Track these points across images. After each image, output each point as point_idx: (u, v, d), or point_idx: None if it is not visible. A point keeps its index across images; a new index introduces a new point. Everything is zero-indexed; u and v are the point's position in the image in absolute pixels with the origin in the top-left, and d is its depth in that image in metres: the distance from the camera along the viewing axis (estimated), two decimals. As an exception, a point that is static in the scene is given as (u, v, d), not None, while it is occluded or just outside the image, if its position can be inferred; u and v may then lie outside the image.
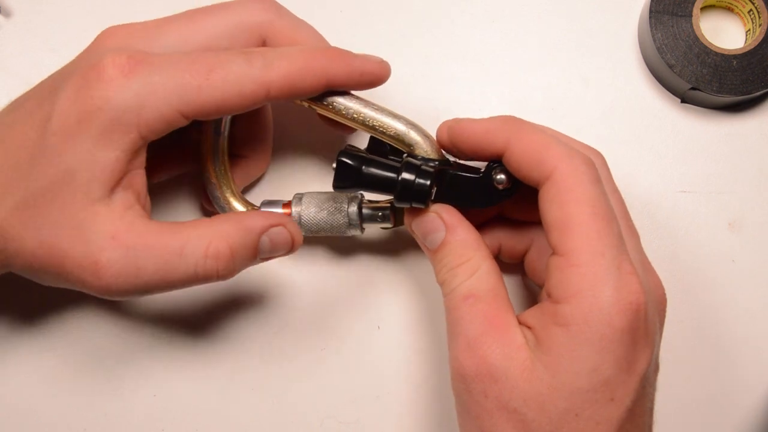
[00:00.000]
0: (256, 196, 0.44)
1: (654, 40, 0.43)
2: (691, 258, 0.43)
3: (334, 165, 0.35)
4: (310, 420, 0.42)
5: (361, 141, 0.41)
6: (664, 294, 0.34)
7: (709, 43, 0.43)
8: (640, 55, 0.45)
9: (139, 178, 0.35)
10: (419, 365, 0.42)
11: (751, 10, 0.43)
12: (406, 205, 0.35)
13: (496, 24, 0.45)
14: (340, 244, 0.43)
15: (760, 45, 0.42)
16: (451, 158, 0.37)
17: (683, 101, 0.44)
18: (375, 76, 0.35)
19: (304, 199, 0.39)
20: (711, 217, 0.43)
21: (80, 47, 0.36)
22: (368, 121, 0.36)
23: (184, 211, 0.44)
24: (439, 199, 0.36)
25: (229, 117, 0.38)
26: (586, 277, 0.30)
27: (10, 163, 0.33)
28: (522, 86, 0.45)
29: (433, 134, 0.37)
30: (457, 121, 0.35)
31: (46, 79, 0.35)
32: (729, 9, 0.45)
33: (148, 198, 0.36)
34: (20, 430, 0.42)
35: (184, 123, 0.34)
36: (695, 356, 0.42)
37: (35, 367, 0.42)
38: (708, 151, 0.44)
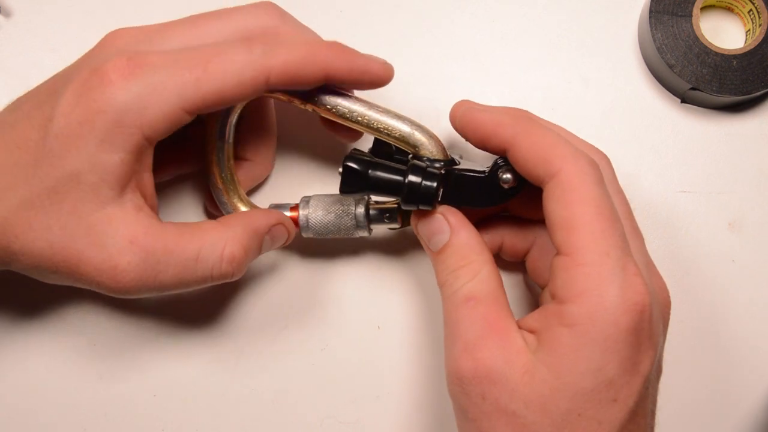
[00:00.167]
0: (261, 199, 0.44)
1: (654, 40, 0.43)
2: (691, 258, 0.43)
3: (341, 170, 0.35)
4: (310, 420, 0.42)
5: (364, 144, 0.42)
6: (668, 297, 0.34)
7: (709, 43, 0.43)
8: (640, 55, 0.45)
9: (146, 180, 0.35)
10: (419, 365, 0.42)
11: (751, 10, 0.43)
12: (413, 208, 0.35)
13: (496, 24, 0.45)
14: (340, 244, 0.43)
15: (760, 45, 0.42)
16: (456, 157, 0.37)
17: (683, 101, 0.44)
18: (377, 76, 0.35)
19: (311, 202, 0.39)
20: (711, 217, 0.43)
21: (80, 47, 0.36)
22: (373, 123, 0.36)
23: (186, 208, 0.44)
24: (445, 199, 0.36)
25: (234, 121, 0.38)
26: (591, 276, 0.30)
27: (11, 162, 0.33)
28: (522, 86, 0.45)
29: (438, 133, 0.37)
30: (470, 107, 0.35)
31: (47, 81, 0.35)
32: (729, 9, 0.45)
33: (156, 199, 0.36)
34: (20, 430, 0.42)
35: (188, 119, 0.34)
36: (695, 356, 0.42)
37: (35, 367, 0.42)
38: (708, 151, 0.44)
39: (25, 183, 0.33)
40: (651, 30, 0.43)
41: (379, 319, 0.43)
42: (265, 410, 0.42)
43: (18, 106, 0.35)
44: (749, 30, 0.44)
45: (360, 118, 0.36)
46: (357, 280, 0.43)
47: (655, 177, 0.44)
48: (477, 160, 0.41)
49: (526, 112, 0.37)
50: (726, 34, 0.45)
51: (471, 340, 0.31)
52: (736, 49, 0.43)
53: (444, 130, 0.38)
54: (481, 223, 0.39)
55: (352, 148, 0.36)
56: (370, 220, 0.39)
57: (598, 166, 0.32)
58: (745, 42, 0.44)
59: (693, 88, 0.43)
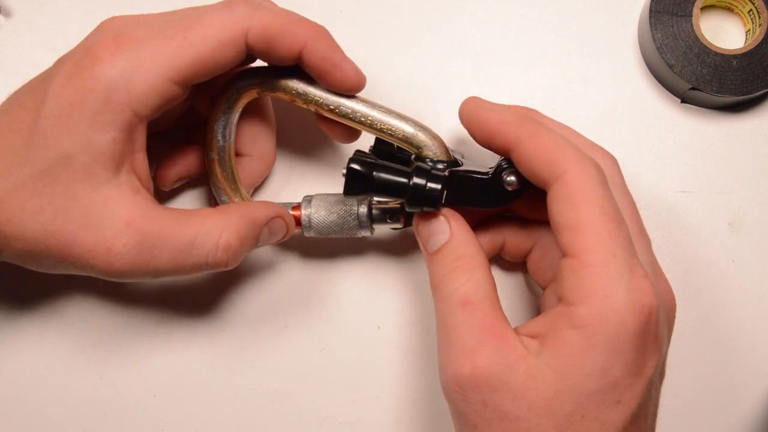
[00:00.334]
0: (262, 199, 0.44)
1: (654, 40, 0.43)
2: (691, 258, 0.43)
3: (344, 171, 0.35)
4: (310, 420, 0.42)
5: (360, 145, 0.42)
6: (674, 300, 0.34)
7: (709, 43, 0.43)
8: (640, 55, 0.45)
9: (141, 161, 0.35)
10: (419, 365, 0.42)
11: (751, 10, 0.43)
12: (417, 210, 0.35)
13: (496, 24, 0.45)
14: (340, 244, 0.43)
15: (760, 45, 0.42)
16: (459, 158, 0.37)
17: (683, 101, 0.44)
18: (348, 77, 0.35)
19: (313, 202, 0.39)
20: (711, 217, 0.43)
21: (80, 47, 0.36)
22: (376, 124, 0.36)
23: (185, 205, 0.43)
24: (449, 200, 0.35)
25: (236, 120, 0.38)
26: (599, 277, 0.30)
27: (4, 145, 0.33)
28: (522, 86, 0.45)
29: (441, 134, 0.37)
30: (478, 105, 0.35)
31: (40, 73, 0.35)
32: (729, 9, 0.45)
33: (151, 182, 0.36)
34: (20, 430, 0.42)
35: (178, 91, 0.34)
36: (695, 356, 0.42)
37: (35, 367, 0.42)
38: (708, 151, 0.44)
39: (18, 166, 0.33)
40: (651, 30, 0.43)
41: (379, 319, 0.43)
42: (265, 410, 0.42)
43: (11, 95, 0.35)
44: (749, 30, 0.44)
45: (363, 119, 0.36)
46: (357, 280, 0.43)
47: (655, 177, 0.44)
48: (478, 161, 0.41)
49: (534, 111, 0.37)
50: (726, 34, 0.45)
51: (469, 346, 0.31)
52: (736, 49, 0.43)
53: (444, 130, 0.39)
54: (482, 222, 0.39)
55: (356, 150, 0.36)
56: (372, 220, 0.39)
57: (602, 168, 0.32)
58: (745, 42, 0.44)
59: (693, 88, 0.43)
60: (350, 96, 0.36)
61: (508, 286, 0.43)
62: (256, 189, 0.43)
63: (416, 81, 0.45)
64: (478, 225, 0.39)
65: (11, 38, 0.45)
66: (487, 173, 0.35)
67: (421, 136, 0.36)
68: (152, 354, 0.42)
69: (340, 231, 0.39)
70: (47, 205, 0.33)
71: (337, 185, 0.43)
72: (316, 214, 0.39)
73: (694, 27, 0.43)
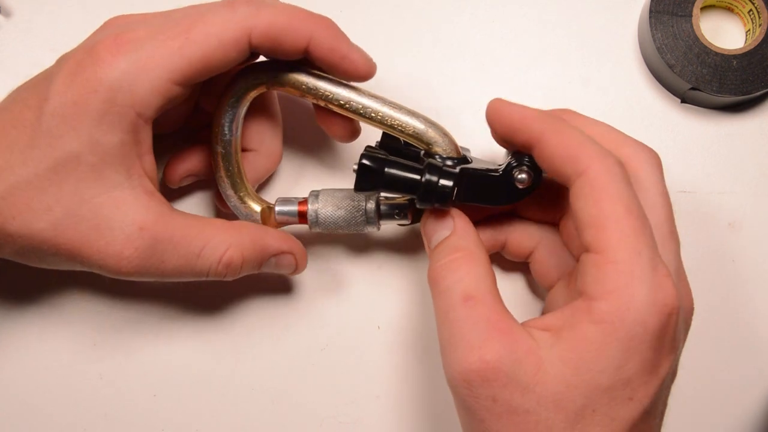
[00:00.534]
0: (267, 194, 0.44)
1: (654, 40, 0.43)
2: (691, 258, 0.43)
3: (355, 167, 0.35)
4: (309, 420, 0.42)
5: (357, 144, 0.41)
6: (692, 303, 0.34)
7: (709, 43, 0.43)
8: (640, 55, 0.45)
9: (149, 163, 0.35)
10: (419, 365, 0.42)
11: (751, 10, 0.43)
12: (428, 206, 0.35)
13: (496, 24, 0.45)
14: (340, 244, 0.43)
15: (760, 45, 0.42)
16: (470, 156, 0.37)
17: (683, 101, 0.44)
18: (357, 66, 0.35)
19: (320, 197, 0.39)
20: (711, 217, 0.43)
21: (80, 47, 0.36)
22: (386, 120, 0.36)
23: (193, 205, 0.44)
24: (459, 197, 0.35)
25: (243, 114, 0.38)
26: (623, 274, 0.30)
27: (6, 142, 0.33)
28: (522, 86, 0.45)
29: (452, 131, 0.37)
30: (503, 101, 0.35)
31: (42, 71, 0.35)
32: (729, 9, 0.45)
33: (159, 183, 0.36)
34: (20, 430, 0.42)
35: (180, 91, 0.34)
36: (695, 356, 0.42)
37: (35, 367, 0.42)
38: (708, 151, 0.44)
39: (22, 163, 0.33)
40: (651, 30, 0.43)
41: (379, 319, 0.43)
42: (265, 410, 0.42)
43: (12, 92, 0.35)
44: (749, 30, 0.44)
45: (373, 115, 0.36)
46: (357, 280, 0.43)
47: (655, 177, 0.44)
48: (486, 156, 0.41)
49: (567, 111, 0.36)
50: (726, 34, 0.45)
51: (476, 342, 0.31)
52: (736, 49, 0.43)
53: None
54: (485, 220, 0.39)
55: (366, 145, 0.36)
56: (380, 216, 0.39)
57: (624, 166, 0.32)
58: (745, 42, 0.44)
59: (693, 88, 0.43)
60: (361, 92, 0.36)
61: (508, 286, 0.43)
62: (262, 184, 0.43)
63: (416, 81, 0.45)
64: (480, 222, 0.39)
65: (11, 38, 0.45)
66: (497, 170, 0.35)
67: (432, 133, 0.36)
68: (152, 354, 0.42)
69: (347, 227, 0.39)
70: (55, 203, 0.33)
71: (343, 181, 0.43)
72: (323, 210, 0.39)
73: (694, 27, 0.43)
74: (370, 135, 0.39)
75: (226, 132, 0.38)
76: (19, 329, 0.42)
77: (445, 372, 0.32)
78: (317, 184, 0.41)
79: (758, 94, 0.43)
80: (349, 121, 0.38)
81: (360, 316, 0.43)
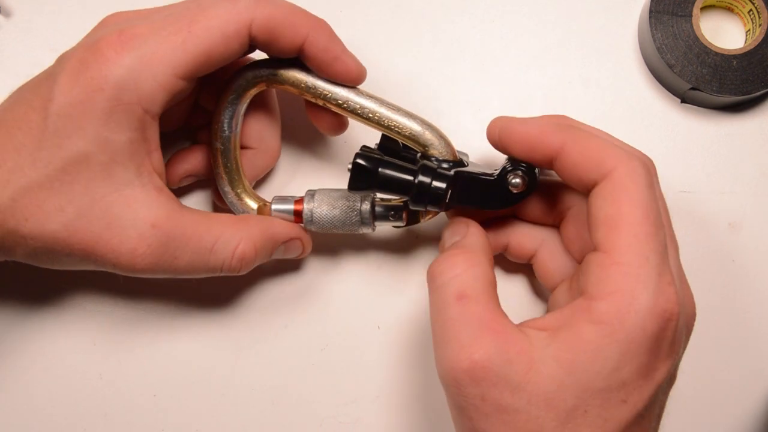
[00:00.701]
0: (264, 192, 0.44)
1: (654, 40, 0.43)
2: (691, 258, 0.43)
3: (350, 166, 0.35)
4: (309, 420, 0.42)
5: (351, 139, 0.41)
6: (694, 309, 0.34)
7: (709, 43, 0.43)
8: (640, 55, 0.45)
9: (157, 160, 0.35)
10: (419, 365, 0.42)
11: (751, 10, 0.43)
12: (421, 208, 0.35)
13: (496, 24, 0.45)
14: (340, 244, 0.43)
15: (760, 45, 0.42)
16: (465, 158, 0.37)
17: (683, 101, 0.44)
18: (348, 69, 0.36)
19: (316, 197, 0.39)
20: (711, 217, 0.43)
21: (80, 47, 0.36)
22: (384, 120, 0.36)
23: (191, 203, 0.43)
24: (454, 201, 0.35)
25: (243, 111, 0.38)
26: (627, 276, 0.30)
27: (13, 144, 0.33)
28: (522, 86, 0.45)
29: (450, 134, 0.37)
30: (508, 121, 0.35)
31: (42, 71, 0.35)
32: (729, 9, 0.45)
33: (165, 179, 0.37)
34: (20, 430, 0.42)
35: (185, 86, 0.34)
36: (695, 356, 0.42)
37: (34, 367, 0.42)
38: (708, 151, 0.44)
39: (31, 165, 0.33)
40: (651, 30, 0.43)
41: (379, 319, 0.43)
42: (265, 410, 0.42)
43: (15, 92, 0.35)
44: (749, 30, 0.44)
45: (371, 115, 0.36)
46: (357, 280, 0.43)
47: (655, 177, 0.44)
48: (486, 157, 0.41)
49: (567, 118, 0.36)
50: (726, 34, 0.45)
51: (466, 341, 0.31)
52: (736, 49, 0.43)
53: (444, 130, 0.38)
54: (487, 221, 0.39)
55: (362, 145, 0.36)
56: (375, 217, 0.39)
57: (649, 169, 0.32)
58: (745, 42, 0.44)
59: (693, 88, 0.43)
60: (359, 92, 0.36)
61: (512, 288, 0.43)
62: (259, 182, 0.43)
63: (416, 81, 0.45)
64: (482, 224, 0.39)
65: (11, 38, 0.45)
66: (492, 175, 0.35)
67: (428, 135, 0.36)
68: (152, 354, 0.42)
69: (341, 227, 0.39)
70: (67, 204, 0.33)
71: (338, 178, 0.43)
72: (319, 209, 0.39)
73: (694, 27, 0.43)
74: (370, 135, 0.39)
75: (226, 129, 0.38)
76: (18, 329, 0.42)
77: (437, 369, 0.32)
78: (313, 181, 0.41)
79: (758, 94, 0.43)
80: (336, 114, 0.38)
81: (360, 316, 0.43)
